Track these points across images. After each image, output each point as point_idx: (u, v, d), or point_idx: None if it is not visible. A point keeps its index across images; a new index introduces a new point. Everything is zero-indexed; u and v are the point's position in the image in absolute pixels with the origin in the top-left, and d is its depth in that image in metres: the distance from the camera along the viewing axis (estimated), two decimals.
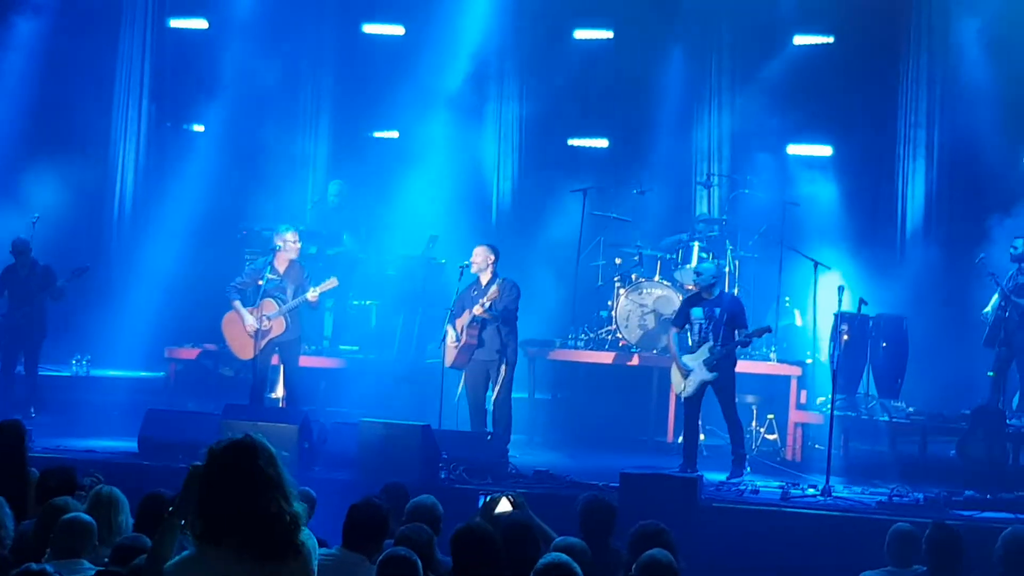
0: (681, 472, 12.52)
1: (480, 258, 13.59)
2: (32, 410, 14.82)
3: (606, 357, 15.81)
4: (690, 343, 13.37)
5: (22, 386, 15.27)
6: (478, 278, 13.64)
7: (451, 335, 13.51)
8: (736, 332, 13.12)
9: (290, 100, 18.98)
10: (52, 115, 18.00)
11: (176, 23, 19.12)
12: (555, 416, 15.90)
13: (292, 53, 18.72)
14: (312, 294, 13.72)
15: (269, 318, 13.76)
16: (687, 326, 13.42)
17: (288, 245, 13.83)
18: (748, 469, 13.16)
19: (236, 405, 13.18)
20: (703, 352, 13.11)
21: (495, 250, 13.73)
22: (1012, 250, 14.25)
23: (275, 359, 14.11)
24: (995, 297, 14.19)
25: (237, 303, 13.85)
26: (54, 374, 16.66)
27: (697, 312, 13.29)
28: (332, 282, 13.92)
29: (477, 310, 13.28)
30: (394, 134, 18.91)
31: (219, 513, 4.71)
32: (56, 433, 13.60)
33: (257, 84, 18.47)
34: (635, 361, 15.64)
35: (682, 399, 13.46)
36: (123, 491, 7.28)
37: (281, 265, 13.89)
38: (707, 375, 13.09)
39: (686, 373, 13.17)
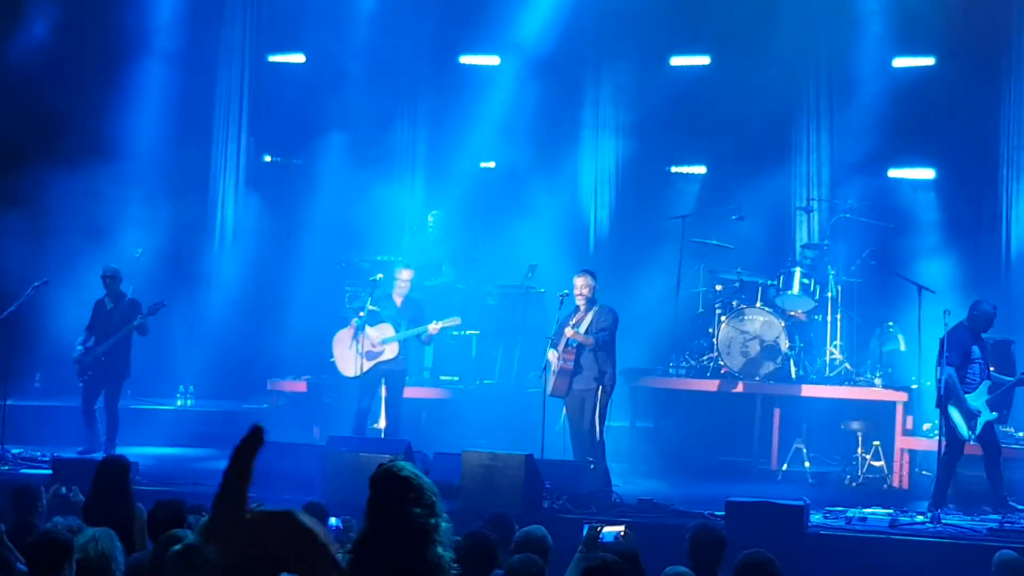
0: (931, 510, 12.30)
1: (580, 286, 13.58)
2: (110, 448, 14.31)
3: (708, 385, 15.69)
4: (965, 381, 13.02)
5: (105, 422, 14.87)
6: (577, 306, 13.62)
7: (553, 363, 13.50)
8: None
9: (387, 131, 19.08)
10: (153, 150, 18.19)
11: (274, 58, 19.31)
12: (657, 444, 15.78)
13: (388, 84, 18.83)
14: (434, 326, 14.06)
15: (384, 341, 13.97)
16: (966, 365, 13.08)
17: (400, 283, 14.16)
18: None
19: (339, 436, 13.24)
20: (982, 391, 12.95)
21: (595, 278, 13.71)
22: None
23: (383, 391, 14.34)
24: None
25: (355, 322, 14.16)
26: (160, 407, 16.84)
27: (977, 351, 13.12)
28: (455, 320, 14.31)
29: (569, 331, 13.29)
30: (491, 164, 18.95)
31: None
32: (162, 466, 13.74)
33: (354, 116, 18.60)
34: (738, 388, 15.51)
35: (972, 440, 13.00)
36: None
37: (398, 299, 14.25)
38: (990, 414, 12.93)
39: (972, 415, 12.91)
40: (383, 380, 14.15)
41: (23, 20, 17.25)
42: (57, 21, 17.54)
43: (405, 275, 14.36)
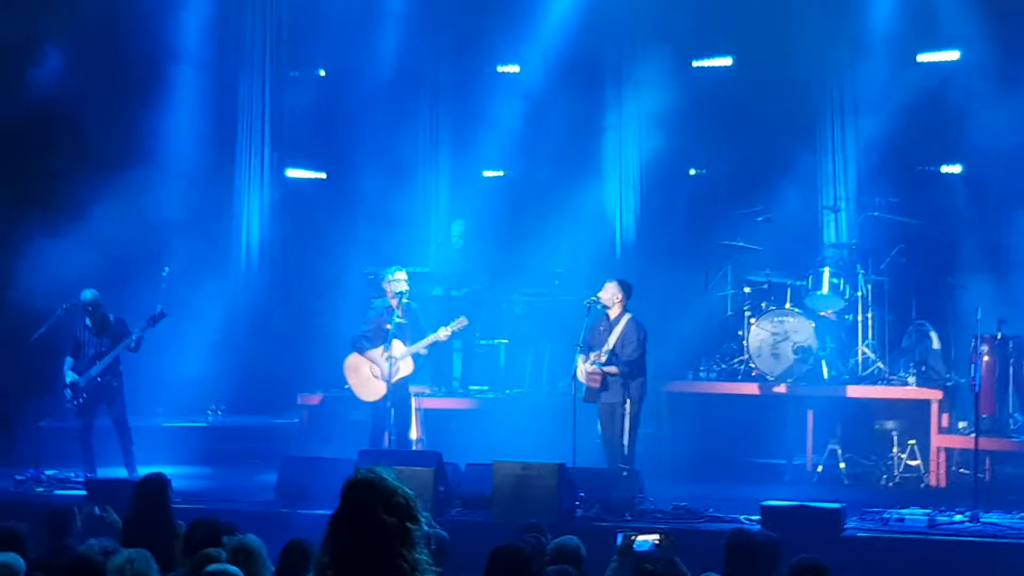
0: None
1: (609, 294, 13.54)
2: (128, 472, 14.06)
3: (740, 388, 15.60)
4: None
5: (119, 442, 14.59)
6: (607, 313, 13.57)
7: (581, 370, 13.44)
8: None
9: (409, 142, 19.06)
10: (178, 167, 18.17)
11: (294, 72, 19.30)
12: (690, 449, 15.70)
13: (410, 96, 18.83)
14: (444, 332, 13.92)
15: (398, 359, 13.87)
16: None
17: (393, 285, 14.02)
18: None
19: (371, 450, 13.22)
20: None
21: (625, 286, 13.66)
22: None
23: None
24: None
25: (370, 352, 14.00)
26: (191, 425, 16.85)
27: None
28: (462, 321, 14.11)
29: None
30: (505, 172, 18.91)
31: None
32: (196, 483, 13.73)
33: (377, 128, 18.59)
34: (770, 390, 15.41)
35: None
36: (263, 539, 7.27)
37: (395, 304, 14.11)
38: None
39: None
40: (405, 396, 14.14)
41: (54, 37, 17.21)
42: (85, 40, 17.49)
43: (401, 276, 14.24)
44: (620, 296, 13.56)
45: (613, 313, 13.54)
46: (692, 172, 18.69)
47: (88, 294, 14.47)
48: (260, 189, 19.00)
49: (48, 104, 17.11)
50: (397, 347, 13.97)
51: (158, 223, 17.66)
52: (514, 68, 18.88)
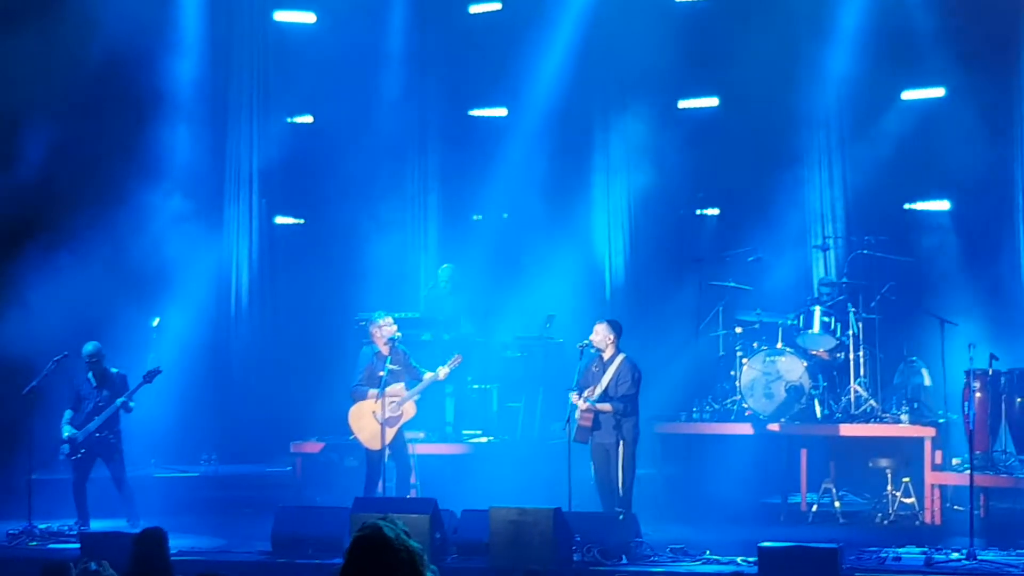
0: None
1: (601, 336, 13.54)
2: (128, 522, 13.93)
3: (733, 428, 15.59)
4: None
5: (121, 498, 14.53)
6: (600, 355, 13.57)
7: (578, 408, 13.43)
8: None
9: (397, 188, 19.10)
10: (163, 214, 18.14)
11: (281, 119, 19.34)
12: (685, 490, 15.68)
13: (398, 141, 18.87)
14: (443, 371, 14.00)
15: (399, 404, 13.88)
16: None
17: (383, 331, 14.00)
18: None
19: (365, 498, 13.18)
20: None
21: (615, 326, 13.67)
22: None
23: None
24: None
25: (373, 392, 13.97)
26: (183, 475, 16.79)
27: None
28: (458, 359, 14.17)
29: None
30: (502, 215, 18.95)
31: None
32: (190, 533, 13.66)
33: (364, 173, 18.64)
34: (763, 430, 15.40)
35: None
36: None
37: (385, 351, 14.05)
38: None
39: None
40: (403, 441, 14.13)
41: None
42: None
43: (388, 322, 14.24)
44: (612, 337, 13.57)
45: (607, 354, 13.54)
46: (683, 213, 18.71)
47: (90, 347, 14.40)
48: (249, 236, 19.00)
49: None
50: (397, 391, 13.98)
51: (147, 271, 17.63)
52: (501, 112, 18.95)
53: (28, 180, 17.08)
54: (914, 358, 15.76)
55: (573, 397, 13.43)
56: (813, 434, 15.30)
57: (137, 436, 15.43)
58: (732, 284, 16.39)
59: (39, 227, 17.19)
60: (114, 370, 14.57)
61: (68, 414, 14.35)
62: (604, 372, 13.48)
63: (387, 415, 13.88)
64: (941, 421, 15.04)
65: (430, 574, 4.71)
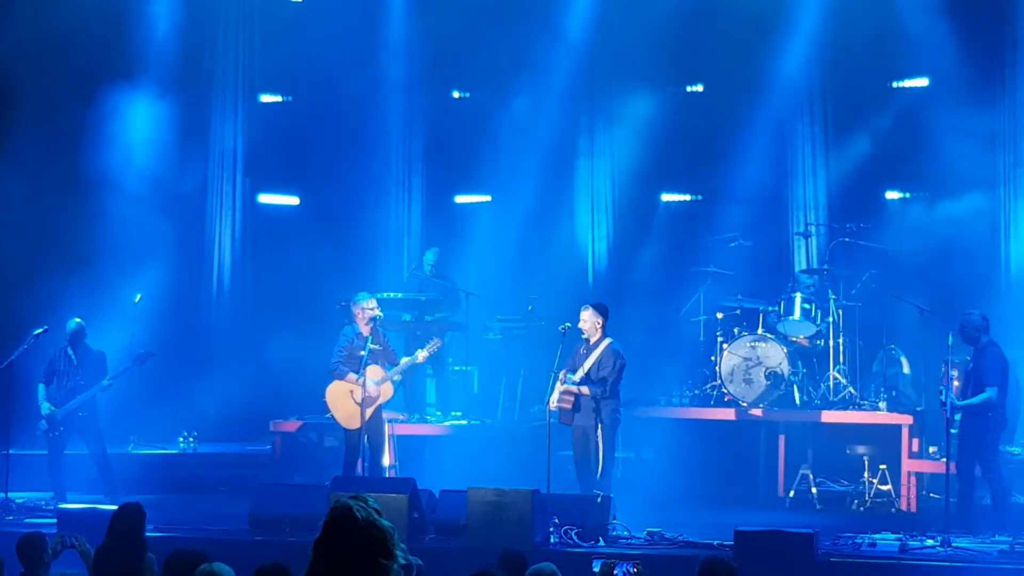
0: None
1: (589, 322, 13.54)
2: (105, 497, 13.74)
3: (712, 413, 15.64)
4: None
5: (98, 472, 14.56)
6: (586, 338, 13.58)
7: (554, 395, 13.45)
8: None
9: (382, 170, 19.07)
10: (148, 192, 18.09)
11: (266, 98, 19.31)
12: (662, 474, 15.69)
13: (382, 119, 18.83)
14: (422, 355, 13.95)
15: (377, 384, 13.85)
16: None
17: (366, 312, 13.96)
18: None
19: (344, 477, 13.18)
20: None
21: (601, 309, 13.67)
22: None
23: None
24: None
25: (351, 375, 13.91)
26: (162, 452, 16.79)
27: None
28: (437, 343, 14.17)
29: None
30: (486, 198, 18.96)
31: None
32: (168, 511, 13.65)
33: (348, 154, 18.62)
34: (742, 416, 15.45)
35: None
36: (235, 568, 7.24)
37: (366, 331, 14.00)
38: None
39: None
40: (380, 422, 14.11)
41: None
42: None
43: (372, 304, 14.20)
44: (600, 321, 13.57)
45: (593, 338, 13.55)
46: (666, 199, 18.73)
47: (73, 324, 14.40)
48: (232, 215, 18.98)
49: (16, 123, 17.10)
50: (375, 372, 13.94)
51: (130, 249, 17.58)
52: (486, 95, 18.93)
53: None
54: (893, 346, 15.82)
55: (561, 376, 13.46)
56: (792, 420, 15.37)
57: (116, 414, 15.43)
58: (713, 269, 16.43)
59: (23, 202, 17.13)
60: (95, 348, 14.54)
61: (42, 389, 14.32)
62: (588, 355, 13.51)
63: (364, 396, 13.85)
64: (919, 409, 15.11)
65: (400, 553, 4.71)
